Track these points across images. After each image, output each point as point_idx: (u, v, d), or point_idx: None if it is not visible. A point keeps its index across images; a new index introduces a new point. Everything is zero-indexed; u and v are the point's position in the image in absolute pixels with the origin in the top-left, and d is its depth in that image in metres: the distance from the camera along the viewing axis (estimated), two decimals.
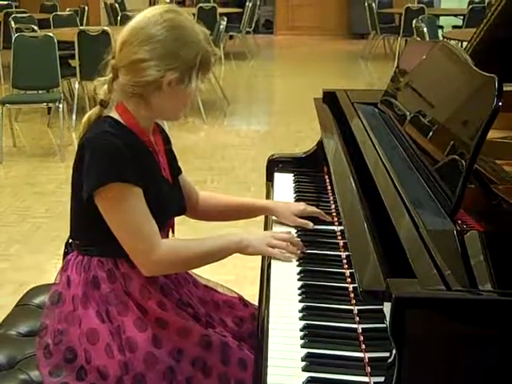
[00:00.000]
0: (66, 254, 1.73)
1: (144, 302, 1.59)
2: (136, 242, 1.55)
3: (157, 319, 1.59)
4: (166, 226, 1.69)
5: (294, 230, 1.83)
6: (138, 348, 1.55)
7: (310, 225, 1.84)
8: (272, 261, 1.65)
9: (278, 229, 1.85)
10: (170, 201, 1.69)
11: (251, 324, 1.74)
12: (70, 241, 1.73)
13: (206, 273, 1.85)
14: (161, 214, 1.64)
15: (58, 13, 9.28)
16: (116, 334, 1.56)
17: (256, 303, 1.67)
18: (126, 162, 1.51)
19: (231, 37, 12.42)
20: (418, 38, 6.94)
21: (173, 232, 1.75)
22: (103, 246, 1.57)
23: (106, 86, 1.60)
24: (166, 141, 1.78)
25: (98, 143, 1.51)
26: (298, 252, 1.67)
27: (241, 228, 3.94)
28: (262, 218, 2.05)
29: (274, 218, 1.91)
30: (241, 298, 1.83)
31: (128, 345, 1.55)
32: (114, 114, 1.60)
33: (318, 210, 1.89)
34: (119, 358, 1.54)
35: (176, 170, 1.78)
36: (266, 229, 1.95)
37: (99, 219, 1.54)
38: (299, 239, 1.72)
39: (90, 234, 1.60)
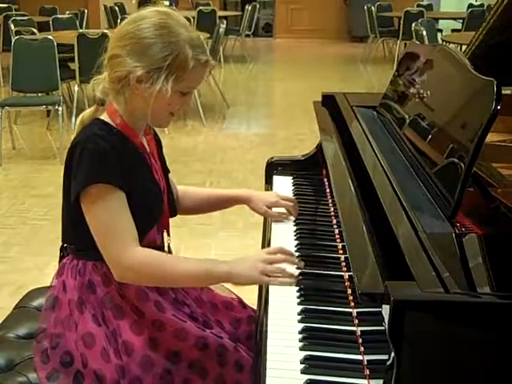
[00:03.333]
0: (61, 257, 1.73)
1: (141, 304, 1.59)
2: (109, 245, 1.53)
3: (153, 321, 1.58)
4: (160, 227, 1.68)
5: (293, 229, 1.83)
6: (134, 352, 1.54)
7: (282, 216, 1.91)
8: None
9: (277, 232, 1.86)
10: (160, 202, 1.67)
11: (248, 326, 1.74)
12: (65, 245, 1.73)
13: None
14: (150, 216, 1.63)
15: (58, 16, 9.28)
16: (112, 338, 1.56)
17: (254, 306, 1.67)
18: (111, 165, 1.51)
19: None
20: (417, 42, 6.96)
21: (168, 234, 1.75)
22: (97, 249, 1.55)
23: (102, 85, 1.60)
24: (159, 144, 1.78)
25: (86, 146, 1.50)
26: (297, 273, 1.56)
27: (239, 230, 3.95)
28: (260, 221, 2.05)
29: (272, 223, 1.92)
30: (239, 300, 1.83)
31: (124, 348, 1.55)
32: (105, 117, 1.60)
33: (292, 204, 1.93)
34: (116, 362, 1.54)
35: (167, 172, 1.78)
36: (264, 233, 1.95)
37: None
38: (296, 257, 1.63)
39: (82, 238, 1.58)
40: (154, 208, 1.65)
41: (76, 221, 1.56)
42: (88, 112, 1.63)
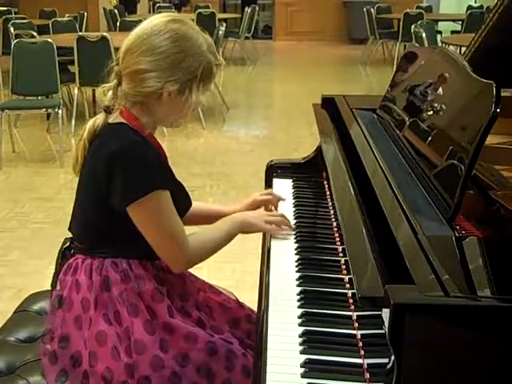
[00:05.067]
0: (62, 259, 1.72)
1: (154, 305, 1.60)
2: (172, 245, 1.60)
3: (164, 323, 1.59)
4: None
5: (293, 232, 1.83)
6: (145, 351, 1.55)
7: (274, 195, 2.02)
8: (271, 265, 1.66)
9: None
10: (188, 201, 1.76)
11: (247, 324, 1.76)
12: (67, 245, 1.73)
13: (204, 277, 1.85)
14: (181, 214, 1.68)
15: (58, 19, 9.27)
16: (124, 337, 1.57)
17: (255, 309, 1.67)
18: (158, 170, 1.56)
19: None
20: (417, 44, 6.96)
21: None
22: (117, 247, 1.60)
23: (110, 92, 1.61)
24: None
25: (132, 153, 1.53)
26: (291, 225, 1.84)
27: None
28: None
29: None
30: (236, 300, 1.85)
31: (135, 347, 1.55)
32: (124, 121, 1.60)
33: (268, 198, 2.00)
34: (126, 361, 1.54)
35: None
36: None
37: (118, 224, 1.57)
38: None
39: (105, 238, 1.62)
40: (184, 206, 1.73)
41: (104, 223, 1.59)
42: (101, 118, 1.63)
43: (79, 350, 1.58)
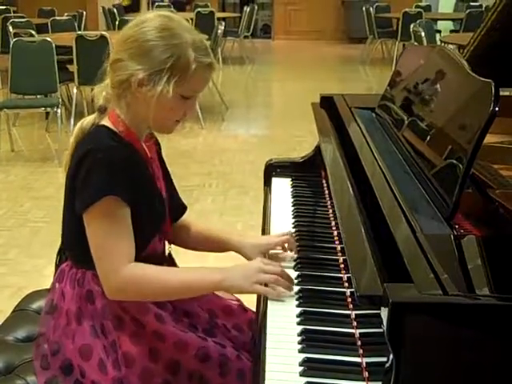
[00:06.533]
0: (59, 261, 1.71)
1: (141, 317, 1.56)
2: (102, 263, 1.50)
3: (154, 332, 1.55)
4: (161, 236, 1.67)
5: (290, 229, 1.83)
6: (134, 363, 1.52)
7: (279, 258, 1.74)
8: None
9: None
10: (163, 212, 1.65)
11: (250, 329, 1.72)
12: (62, 246, 1.72)
13: None
14: (153, 226, 1.61)
15: (56, 17, 9.26)
16: (111, 350, 1.53)
17: (254, 308, 1.67)
18: (122, 178, 1.48)
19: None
20: (416, 43, 6.95)
21: (169, 242, 1.74)
22: None
23: (105, 92, 1.58)
24: (158, 147, 1.74)
25: (98, 157, 1.47)
26: (290, 285, 1.55)
27: (238, 232, 3.95)
28: (259, 223, 2.05)
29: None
30: (239, 303, 1.81)
31: (124, 360, 1.52)
32: (108, 123, 1.56)
33: (285, 238, 1.76)
34: (114, 375, 1.51)
35: (169, 176, 1.75)
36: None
37: None
38: (289, 274, 1.59)
39: (83, 248, 1.53)
40: (158, 218, 1.63)
41: (79, 229, 1.52)
42: (88, 119, 1.60)
43: (70, 358, 1.55)
